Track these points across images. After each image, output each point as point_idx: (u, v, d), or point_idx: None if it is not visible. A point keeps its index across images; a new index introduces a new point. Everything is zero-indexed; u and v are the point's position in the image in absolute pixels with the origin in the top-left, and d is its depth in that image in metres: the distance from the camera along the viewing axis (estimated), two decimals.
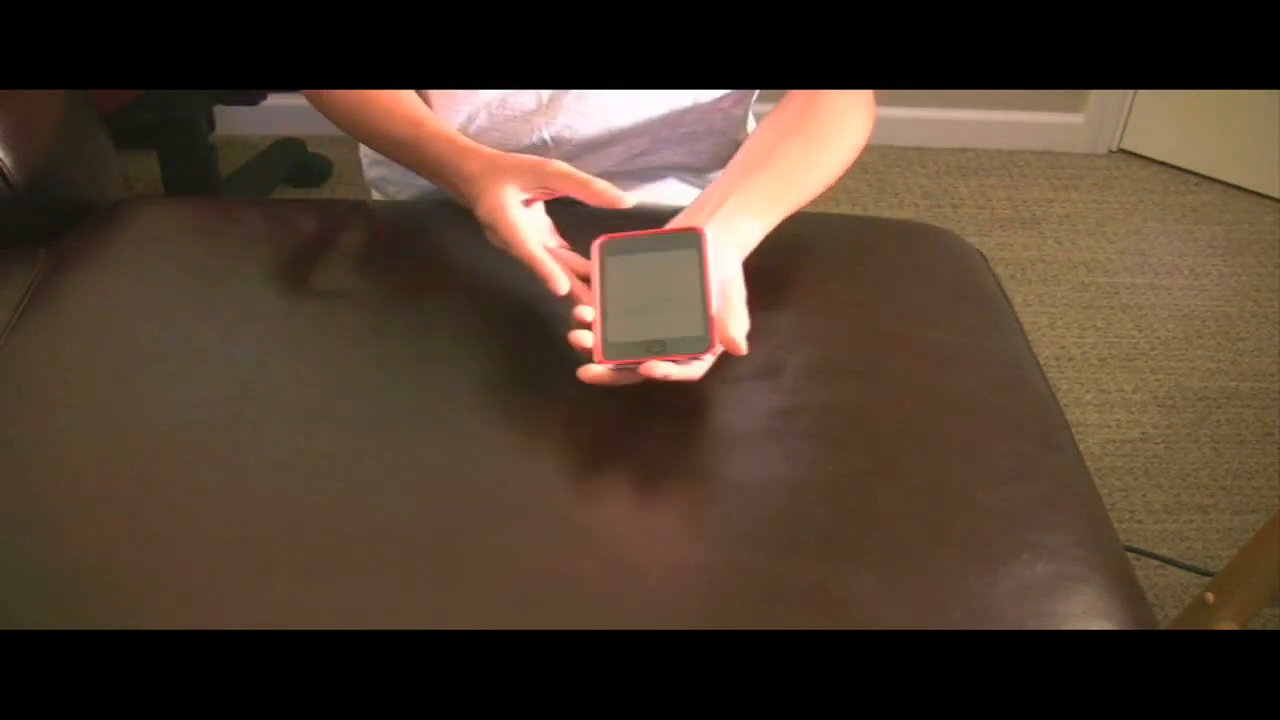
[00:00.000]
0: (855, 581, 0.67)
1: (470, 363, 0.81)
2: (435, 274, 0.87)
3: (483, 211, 0.81)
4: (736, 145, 1.04)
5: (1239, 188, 2.27)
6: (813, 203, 0.91)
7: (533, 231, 0.79)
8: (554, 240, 0.83)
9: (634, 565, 0.68)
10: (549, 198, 0.82)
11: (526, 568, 0.67)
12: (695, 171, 1.06)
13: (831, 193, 0.93)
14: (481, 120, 0.97)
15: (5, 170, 0.92)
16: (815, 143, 0.89)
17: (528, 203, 0.81)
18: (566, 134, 0.97)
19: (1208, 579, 1.19)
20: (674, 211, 0.85)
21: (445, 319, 0.84)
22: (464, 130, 0.98)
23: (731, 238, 0.80)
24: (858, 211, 2.09)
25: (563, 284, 0.77)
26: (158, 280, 0.89)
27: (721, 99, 0.99)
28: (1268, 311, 1.96)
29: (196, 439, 0.74)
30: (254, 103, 1.81)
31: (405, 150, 0.89)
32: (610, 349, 0.73)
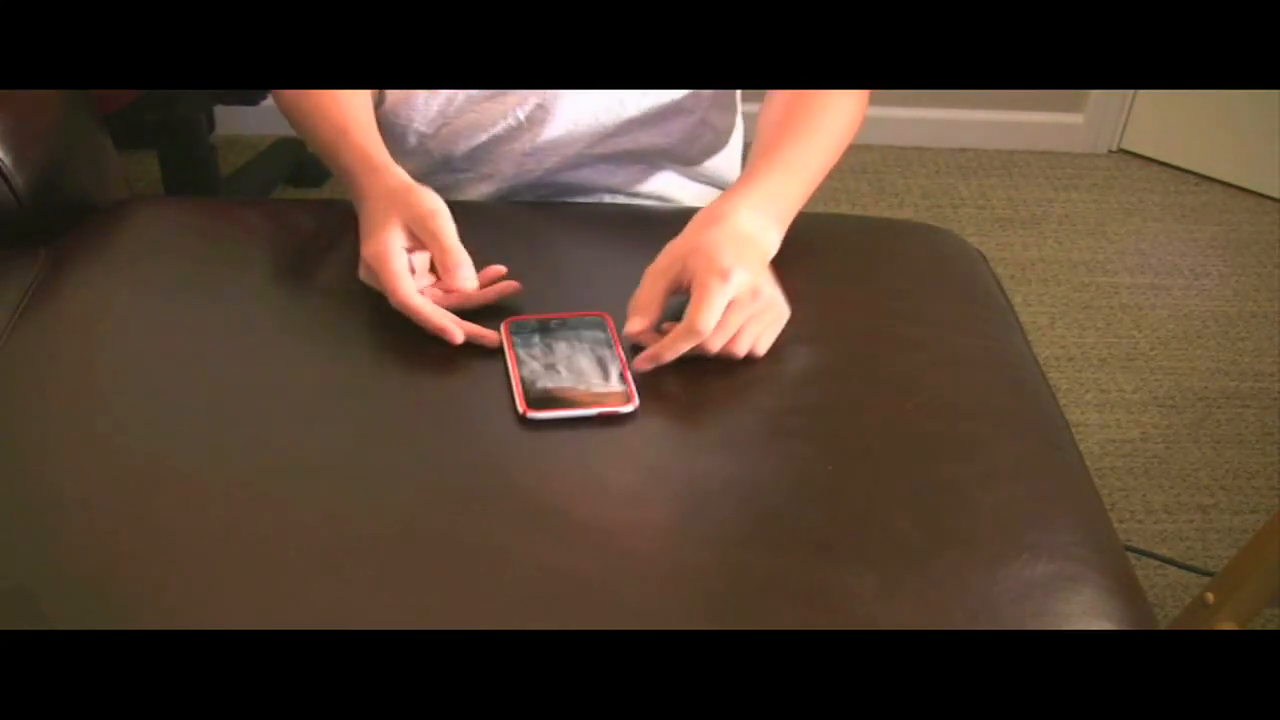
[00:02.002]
0: (855, 581, 0.67)
1: (470, 362, 0.81)
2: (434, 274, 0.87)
3: (367, 253, 0.81)
4: (706, 125, 1.05)
5: (1239, 188, 2.27)
6: (813, 203, 0.91)
7: (411, 282, 0.80)
8: (428, 279, 0.84)
9: (634, 565, 0.68)
10: (422, 251, 0.83)
11: (526, 567, 0.67)
12: (680, 161, 1.06)
13: (831, 193, 0.93)
14: (460, 101, 0.99)
15: (5, 170, 0.92)
16: (807, 131, 0.89)
17: (409, 249, 0.82)
18: (539, 114, 0.98)
19: (1208, 579, 1.19)
20: (677, 211, 0.85)
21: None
22: (444, 112, 0.99)
23: (747, 250, 0.81)
24: (858, 211, 2.09)
25: (457, 335, 0.80)
26: (158, 280, 0.89)
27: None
28: (1268, 311, 1.96)
29: (196, 438, 0.74)
30: (254, 103, 1.81)
31: (327, 154, 0.89)
32: (533, 401, 0.76)
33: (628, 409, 0.76)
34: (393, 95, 1.02)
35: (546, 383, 0.78)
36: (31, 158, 0.93)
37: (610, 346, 0.81)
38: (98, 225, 0.95)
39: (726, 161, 1.10)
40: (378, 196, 0.84)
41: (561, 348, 0.81)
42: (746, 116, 1.16)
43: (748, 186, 0.85)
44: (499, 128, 0.99)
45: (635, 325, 0.80)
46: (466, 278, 0.82)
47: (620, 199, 1.06)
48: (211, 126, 1.86)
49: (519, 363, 0.79)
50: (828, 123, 0.90)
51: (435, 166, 1.03)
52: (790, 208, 0.87)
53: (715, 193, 1.10)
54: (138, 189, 1.95)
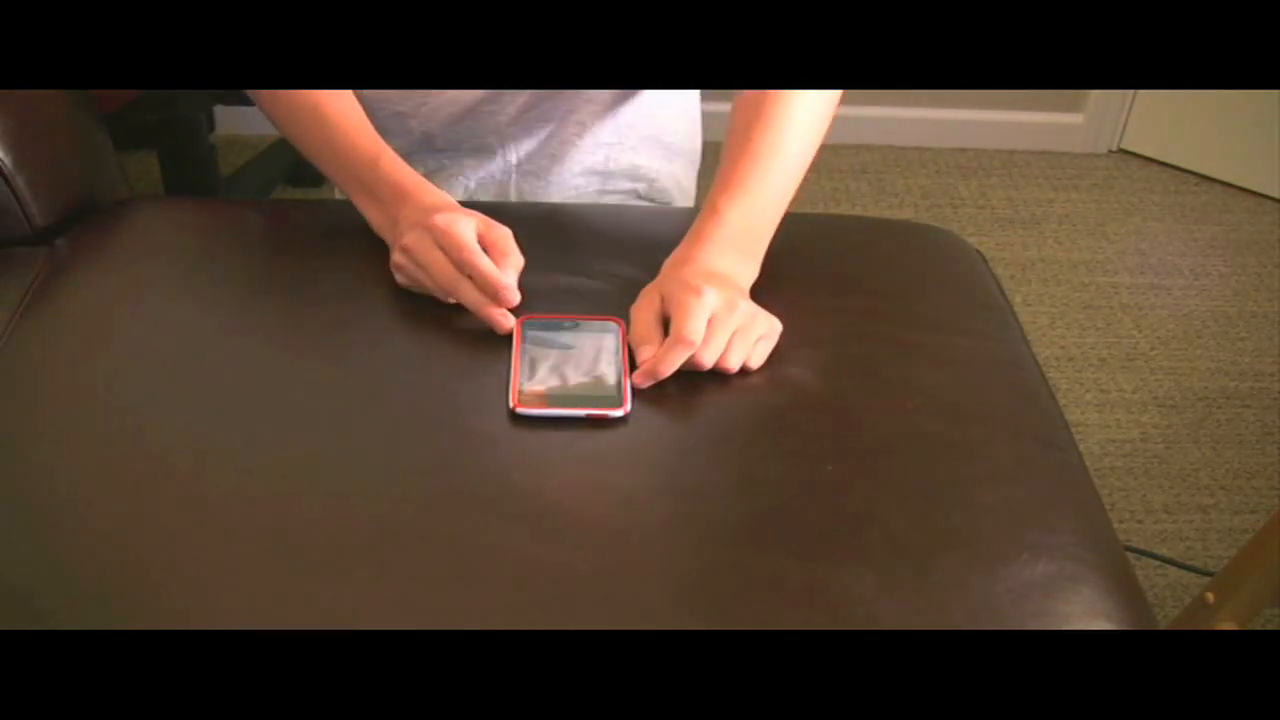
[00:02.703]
0: (854, 581, 0.67)
1: (470, 363, 0.81)
2: None
3: (436, 220, 0.81)
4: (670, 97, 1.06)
5: (1239, 188, 2.27)
6: (812, 203, 0.91)
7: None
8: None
9: (632, 565, 0.68)
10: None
11: (525, 567, 0.67)
12: (649, 130, 1.07)
13: (831, 193, 0.93)
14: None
15: (5, 170, 0.92)
16: (768, 143, 0.87)
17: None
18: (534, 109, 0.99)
19: (1208, 579, 1.19)
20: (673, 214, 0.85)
21: (444, 319, 0.84)
22: (409, 96, 1.00)
23: (720, 284, 0.81)
24: (858, 211, 2.09)
25: (506, 316, 0.81)
26: (158, 280, 0.89)
27: None
28: (1268, 311, 1.96)
29: (196, 438, 0.74)
30: (254, 103, 1.81)
31: (360, 162, 0.89)
32: (524, 397, 0.77)
33: (617, 413, 0.76)
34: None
35: (543, 381, 0.78)
36: (31, 158, 0.93)
37: (616, 352, 0.81)
38: (98, 225, 0.95)
39: (688, 125, 1.12)
40: (442, 201, 0.86)
41: (568, 349, 0.81)
42: (706, 116, 1.17)
43: (712, 225, 0.84)
44: (472, 100, 1.00)
45: (647, 352, 0.79)
46: (508, 299, 0.82)
47: (595, 179, 1.07)
48: (211, 126, 1.86)
49: (523, 360, 0.79)
50: (797, 128, 0.87)
51: (416, 145, 1.04)
52: (761, 234, 0.86)
53: (683, 165, 1.11)
54: (138, 189, 1.95)
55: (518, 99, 1.00)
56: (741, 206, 0.85)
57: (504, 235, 0.84)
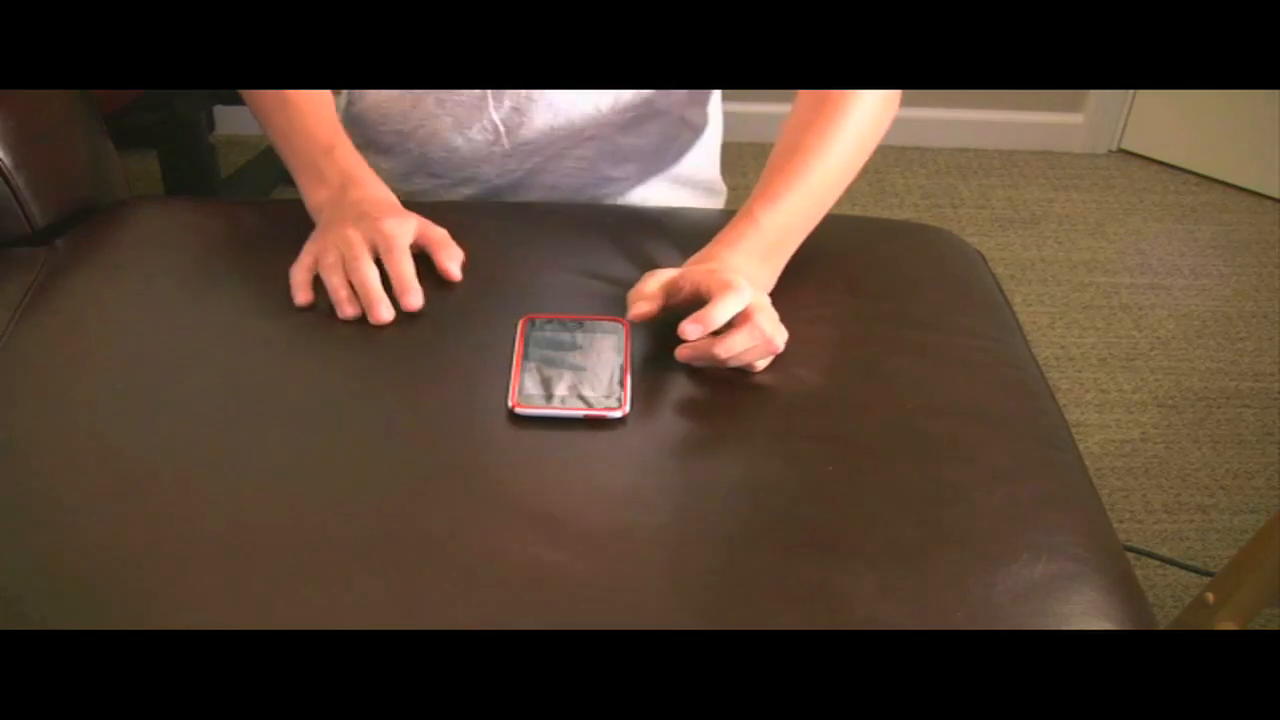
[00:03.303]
0: (855, 581, 0.67)
1: (469, 363, 0.81)
2: (433, 274, 0.87)
3: (389, 224, 0.85)
4: (685, 123, 1.05)
5: (1239, 188, 2.27)
6: None
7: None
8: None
9: (632, 565, 0.68)
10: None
11: (525, 568, 0.67)
12: (659, 162, 1.06)
13: None
14: (429, 105, 1.00)
15: (5, 170, 0.92)
16: (813, 152, 0.87)
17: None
18: (515, 119, 0.99)
19: (1208, 579, 1.19)
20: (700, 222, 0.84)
21: (444, 319, 0.84)
22: (408, 117, 1.00)
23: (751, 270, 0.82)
24: (858, 211, 2.09)
25: (415, 301, 0.84)
26: (158, 280, 0.89)
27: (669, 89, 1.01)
28: (1268, 311, 1.96)
29: (196, 438, 0.74)
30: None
31: (315, 147, 0.91)
32: (524, 397, 0.77)
33: (616, 414, 0.76)
34: (367, 97, 1.02)
35: (543, 381, 0.78)
36: (31, 158, 0.93)
37: (619, 352, 0.81)
38: (98, 225, 0.95)
39: (704, 158, 1.11)
40: (374, 200, 0.88)
41: (571, 349, 0.81)
42: (728, 116, 1.16)
43: (741, 230, 0.84)
44: (474, 130, 1.00)
45: (640, 308, 0.80)
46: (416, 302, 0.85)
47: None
48: (211, 126, 1.86)
49: (524, 360, 0.79)
50: (841, 136, 0.87)
51: (413, 167, 1.04)
52: (785, 244, 0.86)
53: (696, 195, 1.11)
54: (138, 189, 1.95)
55: (521, 133, 1.00)
56: (779, 216, 0.85)
57: (443, 233, 0.88)
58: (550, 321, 0.83)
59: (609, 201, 1.07)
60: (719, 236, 0.85)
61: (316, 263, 0.86)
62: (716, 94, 1.09)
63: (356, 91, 1.05)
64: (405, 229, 0.86)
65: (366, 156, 1.04)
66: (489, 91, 0.98)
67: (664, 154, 1.07)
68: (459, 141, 1.01)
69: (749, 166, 1.81)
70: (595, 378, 0.79)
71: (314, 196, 0.91)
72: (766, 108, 1.12)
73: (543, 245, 0.93)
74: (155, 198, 1.62)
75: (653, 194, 1.08)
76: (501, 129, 1.00)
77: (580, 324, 0.83)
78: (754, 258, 0.83)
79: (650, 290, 0.81)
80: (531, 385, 0.78)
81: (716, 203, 1.16)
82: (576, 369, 0.79)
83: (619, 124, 1.01)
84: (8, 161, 0.92)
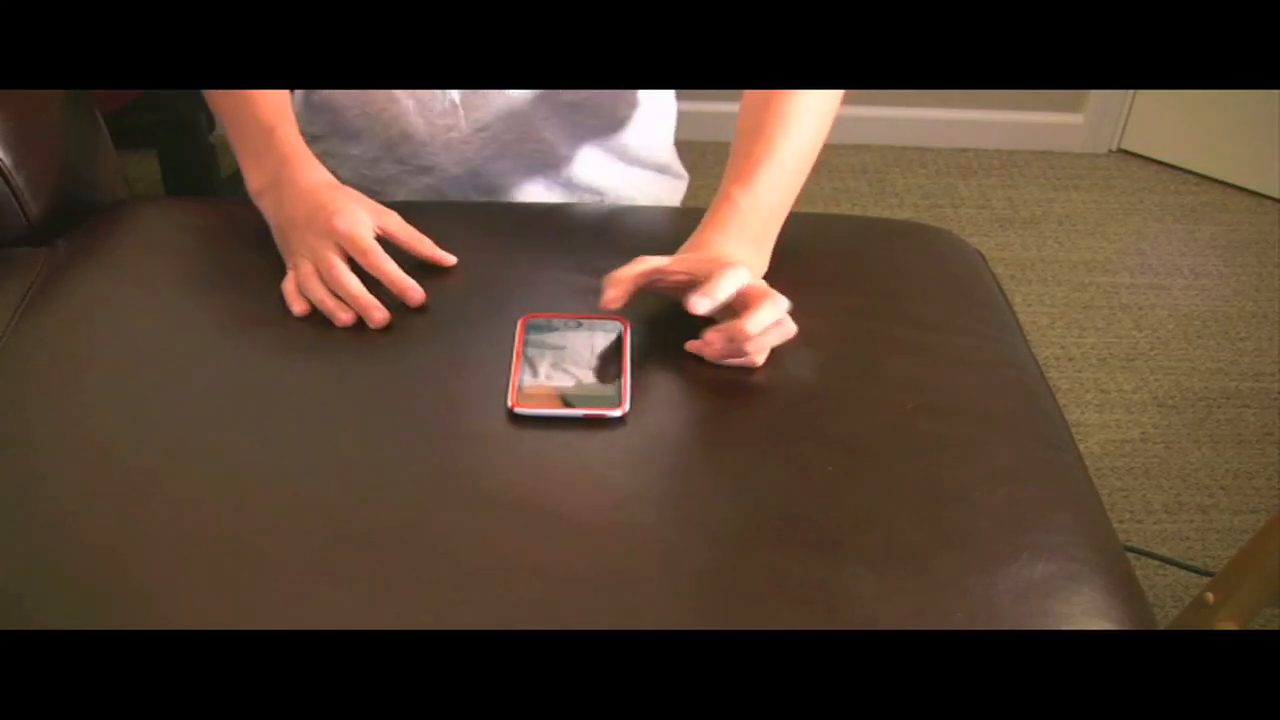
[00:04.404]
0: (855, 581, 0.67)
1: (469, 362, 0.81)
2: (432, 273, 0.87)
3: (342, 221, 0.84)
4: (636, 104, 1.06)
5: (1239, 188, 2.27)
6: (813, 203, 0.91)
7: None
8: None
9: (632, 565, 0.68)
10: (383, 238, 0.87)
11: (525, 568, 0.67)
12: (613, 140, 1.07)
13: (831, 193, 0.93)
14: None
15: (5, 170, 0.92)
16: (779, 136, 0.87)
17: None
18: (473, 99, 0.99)
19: (1208, 579, 1.19)
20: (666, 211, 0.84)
21: (444, 319, 0.84)
22: (373, 99, 1.00)
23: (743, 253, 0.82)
24: (858, 211, 2.09)
25: (418, 295, 0.84)
26: (157, 280, 0.89)
27: None
28: (1268, 311, 1.96)
29: (196, 438, 0.74)
30: None
31: (258, 129, 0.91)
32: (523, 397, 0.77)
33: (615, 413, 0.76)
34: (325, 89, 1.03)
35: (543, 381, 0.78)
36: (31, 158, 0.93)
37: (618, 351, 0.81)
38: (98, 225, 0.95)
39: (655, 138, 1.11)
40: (310, 188, 0.87)
41: (570, 348, 0.81)
42: (693, 114, 1.15)
43: (723, 214, 0.85)
44: (435, 112, 1.00)
45: (609, 294, 0.79)
46: (444, 255, 0.88)
47: (556, 190, 1.07)
48: (211, 126, 1.86)
49: (523, 360, 0.79)
50: (805, 122, 0.88)
51: (380, 151, 1.04)
52: (772, 225, 0.87)
53: (651, 176, 1.11)
54: (138, 189, 1.95)
55: (483, 119, 1.00)
56: (756, 197, 0.85)
57: (400, 223, 0.88)
58: (550, 321, 0.83)
59: (564, 185, 1.07)
60: (703, 224, 0.85)
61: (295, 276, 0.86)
62: None
63: None
64: (361, 224, 0.85)
65: (333, 143, 1.05)
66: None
67: (617, 133, 1.07)
68: (420, 123, 1.01)
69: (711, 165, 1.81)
70: (595, 377, 0.78)
71: (252, 182, 0.91)
72: (729, 106, 1.12)
73: (537, 245, 0.93)
74: (155, 198, 1.62)
75: (606, 175, 1.08)
76: (460, 111, 1.00)
77: (579, 323, 0.83)
78: (744, 241, 0.84)
79: (624, 275, 0.80)
80: (531, 385, 0.78)
81: (678, 188, 1.16)
82: (576, 368, 0.79)
83: (574, 103, 1.02)
84: (8, 161, 0.92)
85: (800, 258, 0.87)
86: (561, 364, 0.79)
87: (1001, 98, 2.31)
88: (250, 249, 0.91)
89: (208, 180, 1.77)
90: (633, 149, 1.09)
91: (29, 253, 0.92)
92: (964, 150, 2.34)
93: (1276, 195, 2.24)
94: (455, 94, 0.99)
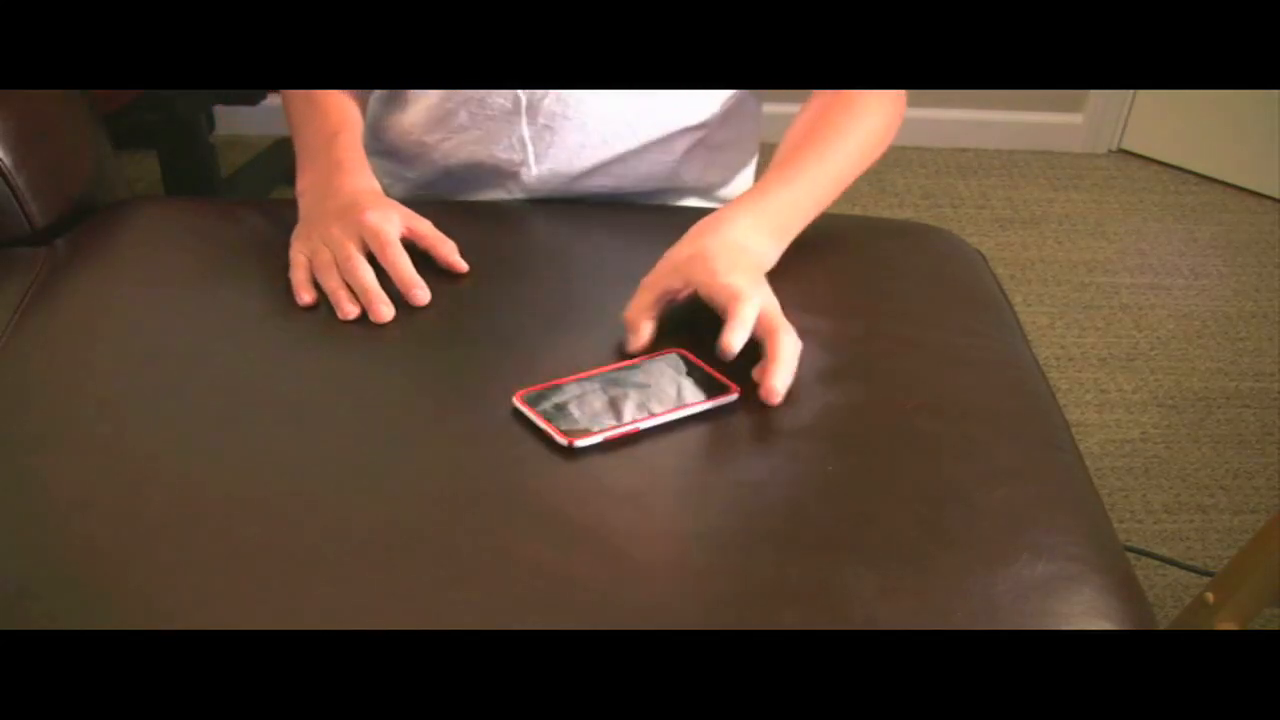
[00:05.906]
0: (855, 581, 0.67)
1: (470, 362, 0.81)
2: (431, 273, 0.87)
3: (372, 216, 0.85)
4: (715, 147, 1.03)
5: (1239, 188, 2.27)
6: None
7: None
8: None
9: (633, 565, 0.68)
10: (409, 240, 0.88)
11: (526, 567, 0.67)
12: (689, 183, 1.04)
13: None
14: (462, 118, 0.98)
15: (5, 170, 0.92)
16: (827, 141, 0.89)
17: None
18: (546, 135, 0.96)
19: (1208, 579, 1.19)
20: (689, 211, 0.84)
21: (444, 319, 0.84)
22: (444, 124, 0.99)
23: (740, 258, 0.81)
24: (858, 211, 2.09)
25: (423, 296, 0.85)
26: (158, 280, 0.89)
27: (700, 107, 0.99)
28: (1268, 311, 1.96)
29: (197, 438, 0.74)
30: (254, 103, 1.82)
31: (319, 133, 0.93)
32: (577, 434, 0.73)
33: (733, 397, 0.77)
34: (392, 109, 1.02)
35: (608, 403, 0.76)
36: (31, 158, 0.93)
37: (690, 370, 0.79)
38: (98, 225, 0.95)
39: (739, 185, 1.09)
40: (354, 190, 0.89)
41: (643, 386, 0.78)
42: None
43: (753, 198, 0.86)
44: (500, 146, 0.98)
45: (632, 343, 0.81)
46: (459, 262, 0.88)
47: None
48: (211, 126, 1.87)
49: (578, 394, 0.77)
50: (854, 129, 0.90)
51: (436, 176, 1.03)
52: (794, 221, 0.87)
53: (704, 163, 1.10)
54: (138, 189, 1.95)
55: (549, 154, 0.98)
56: (789, 190, 0.87)
57: (430, 226, 0.89)
58: (605, 375, 0.78)
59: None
60: (729, 203, 0.86)
61: (311, 263, 0.86)
62: (750, 117, 1.06)
63: (386, 100, 1.03)
64: (390, 222, 0.86)
65: (390, 165, 1.04)
66: (523, 104, 0.95)
67: (694, 176, 1.04)
68: (483, 156, 0.98)
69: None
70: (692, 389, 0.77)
71: (301, 180, 0.92)
72: (767, 108, 1.11)
73: (542, 239, 0.93)
74: (155, 198, 1.62)
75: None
76: (530, 148, 0.97)
77: (638, 365, 0.79)
78: (762, 229, 0.84)
79: (639, 321, 0.81)
80: (592, 412, 0.75)
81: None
82: (641, 388, 0.78)
83: (654, 144, 0.99)
84: (8, 161, 0.92)
85: (801, 257, 0.87)
86: (645, 401, 0.77)
87: (1001, 98, 2.31)
88: (250, 249, 0.91)
89: (208, 180, 1.77)
90: (713, 192, 1.07)
91: (29, 253, 0.92)
92: (964, 150, 2.34)
93: (1276, 195, 2.24)
94: (526, 130, 0.96)
